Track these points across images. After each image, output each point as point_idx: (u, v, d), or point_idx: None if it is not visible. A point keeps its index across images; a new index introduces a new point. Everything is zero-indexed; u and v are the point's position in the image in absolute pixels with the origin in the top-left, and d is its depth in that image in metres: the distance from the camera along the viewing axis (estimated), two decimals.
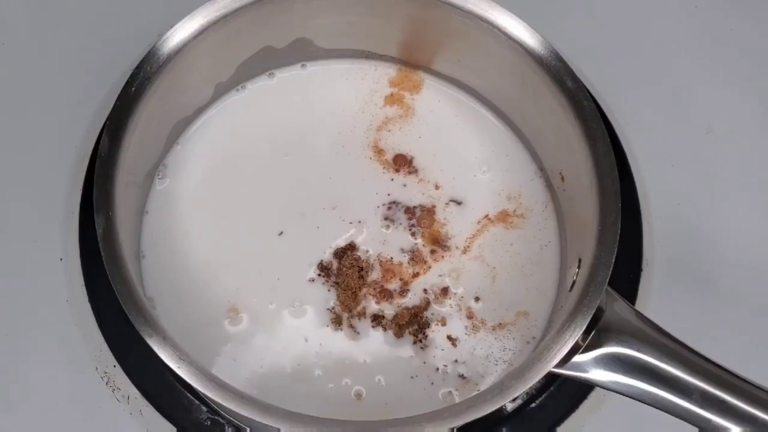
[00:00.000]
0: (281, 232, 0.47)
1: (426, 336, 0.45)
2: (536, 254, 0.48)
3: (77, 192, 0.49)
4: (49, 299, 0.48)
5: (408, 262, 0.47)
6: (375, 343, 0.45)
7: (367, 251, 0.47)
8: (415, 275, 0.46)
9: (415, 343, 0.45)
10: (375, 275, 0.46)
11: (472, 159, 0.50)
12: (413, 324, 0.45)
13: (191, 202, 0.48)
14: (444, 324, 0.46)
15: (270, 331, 0.45)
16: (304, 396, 0.43)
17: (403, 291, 0.46)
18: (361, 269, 0.46)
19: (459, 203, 0.48)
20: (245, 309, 0.45)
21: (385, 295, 0.46)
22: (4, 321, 0.48)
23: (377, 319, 0.45)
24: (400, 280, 0.46)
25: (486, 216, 0.48)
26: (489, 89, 0.50)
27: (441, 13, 0.45)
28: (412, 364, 0.45)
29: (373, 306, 0.46)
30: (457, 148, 0.50)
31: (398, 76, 0.52)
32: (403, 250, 0.47)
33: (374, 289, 0.46)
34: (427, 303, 0.46)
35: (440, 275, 0.47)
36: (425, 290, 0.46)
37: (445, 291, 0.46)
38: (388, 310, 0.46)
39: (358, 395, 0.44)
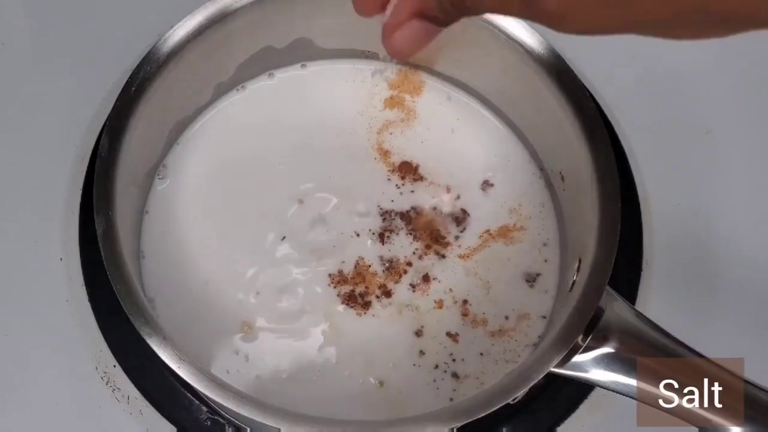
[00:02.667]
0: (284, 237, 0.47)
1: (419, 317, 0.45)
2: (535, 258, 0.47)
3: (77, 192, 0.49)
4: (49, 299, 0.48)
5: (383, 272, 0.46)
6: (380, 332, 0.45)
7: (367, 251, 0.47)
8: (381, 286, 0.46)
9: (417, 333, 0.45)
10: (350, 279, 0.46)
11: (474, 163, 0.50)
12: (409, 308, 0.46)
13: (191, 202, 0.48)
14: (440, 307, 0.46)
15: (282, 337, 0.45)
16: (329, 393, 0.44)
17: (365, 303, 0.46)
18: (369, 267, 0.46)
19: (463, 212, 0.48)
20: (252, 318, 0.45)
21: (351, 299, 0.46)
22: (4, 321, 0.48)
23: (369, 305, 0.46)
24: (366, 288, 0.46)
25: (487, 231, 0.48)
26: (489, 90, 0.50)
27: None
28: (413, 355, 0.45)
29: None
30: (459, 152, 0.50)
31: (398, 78, 0.52)
32: (382, 259, 0.47)
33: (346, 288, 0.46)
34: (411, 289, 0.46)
35: (430, 269, 0.47)
36: (411, 285, 0.46)
37: (426, 278, 0.46)
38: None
39: (381, 383, 0.44)
